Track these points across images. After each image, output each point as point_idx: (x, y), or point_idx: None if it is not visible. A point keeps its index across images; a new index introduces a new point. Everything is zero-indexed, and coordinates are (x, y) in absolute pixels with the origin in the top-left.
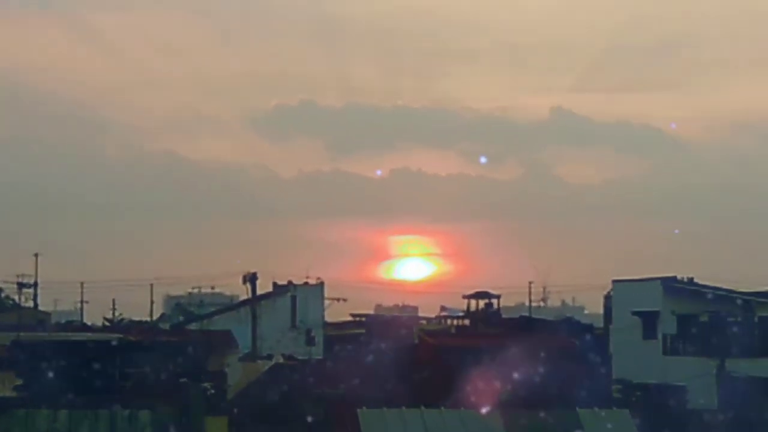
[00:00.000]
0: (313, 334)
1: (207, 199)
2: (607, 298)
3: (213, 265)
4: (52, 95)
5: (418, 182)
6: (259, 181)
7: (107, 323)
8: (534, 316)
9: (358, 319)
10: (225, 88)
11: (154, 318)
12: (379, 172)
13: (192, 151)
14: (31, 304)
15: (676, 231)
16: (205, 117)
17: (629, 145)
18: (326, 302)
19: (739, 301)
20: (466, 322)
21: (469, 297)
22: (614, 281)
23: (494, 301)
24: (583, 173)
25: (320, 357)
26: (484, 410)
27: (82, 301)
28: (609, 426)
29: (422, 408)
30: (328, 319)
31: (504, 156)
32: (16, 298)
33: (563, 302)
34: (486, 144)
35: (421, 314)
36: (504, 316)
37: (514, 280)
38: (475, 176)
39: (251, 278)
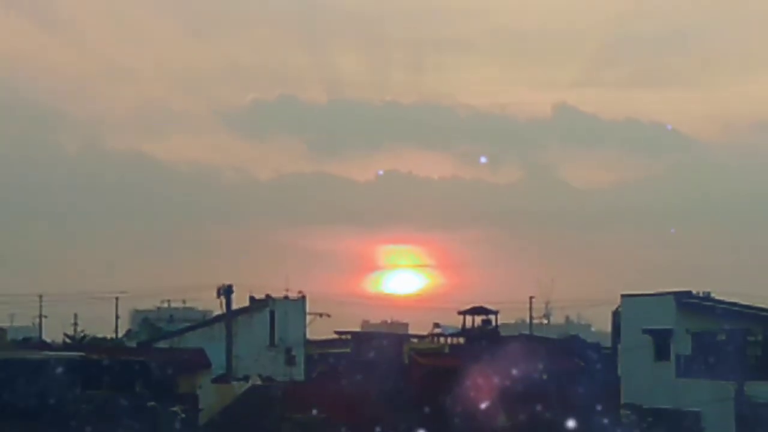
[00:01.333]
0: (293, 353)
1: (178, 204)
2: (616, 314)
3: (184, 276)
4: (3, 85)
5: (409, 186)
6: (234, 184)
7: (68, 340)
8: (536, 334)
9: (343, 336)
10: (197, 82)
11: (120, 335)
12: (366, 175)
13: (161, 150)
14: None
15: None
16: (175, 113)
17: (640, 146)
18: (308, 318)
19: (760, 319)
20: (462, 340)
21: (465, 313)
22: (623, 296)
23: (492, 317)
24: (589, 176)
25: (301, 378)
26: None
27: (40, 316)
28: None
29: None
30: (311, 336)
31: (503, 157)
32: None
33: (568, 319)
34: (483, 144)
35: (412, 332)
36: (503, 333)
37: (514, 295)
38: (472, 180)
39: (226, 291)
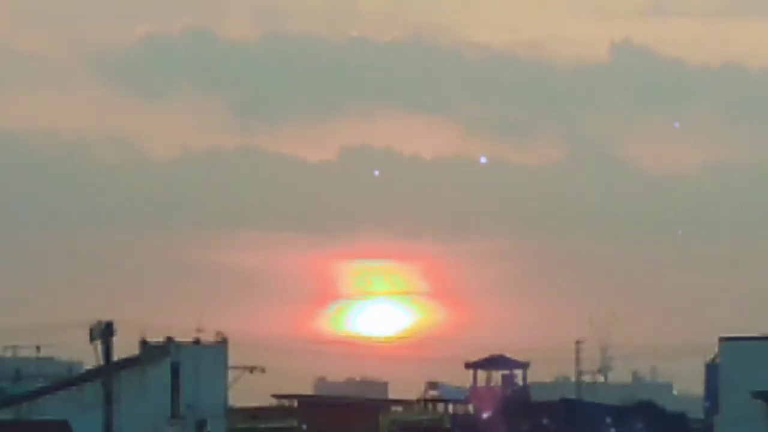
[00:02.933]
0: (208, 428)
1: (29, 197)
2: (711, 368)
3: (39, 309)
4: None
5: (388, 169)
6: (116, 166)
7: None
8: (586, 399)
9: (286, 404)
10: (60, 14)
11: None
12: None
13: (4, 114)
14: None
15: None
16: (28, 57)
17: (744, 108)
18: (232, 374)
19: None
20: (472, 408)
21: (476, 366)
22: (723, 340)
23: (518, 372)
24: (665, 156)
25: None
26: None
27: None
28: None
29: None
30: (236, 403)
31: (532, 126)
32: None
33: (635, 375)
34: (500, 105)
35: (393, 395)
36: (535, 398)
37: (551, 339)
38: (484, 160)
39: (104, 332)
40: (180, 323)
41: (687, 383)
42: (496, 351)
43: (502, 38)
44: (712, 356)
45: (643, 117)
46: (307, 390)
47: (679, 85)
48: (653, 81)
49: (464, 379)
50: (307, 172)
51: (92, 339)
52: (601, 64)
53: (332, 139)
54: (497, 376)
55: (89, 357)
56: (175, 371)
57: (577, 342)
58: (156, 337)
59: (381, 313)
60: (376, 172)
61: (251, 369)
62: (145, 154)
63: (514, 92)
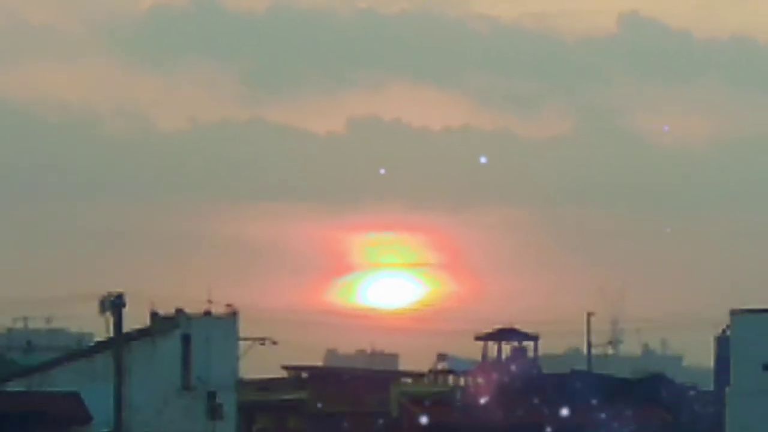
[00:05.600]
0: (219, 400)
1: (38, 168)
2: (722, 341)
3: (48, 281)
4: None
5: (397, 141)
6: (125, 138)
7: None
8: (597, 371)
9: (296, 374)
10: None
11: None
12: (329, 124)
13: (16, 86)
14: None
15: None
16: (37, 29)
17: (755, 80)
18: (242, 346)
19: None
20: (482, 380)
21: (487, 338)
22: (734, 313)
23: (528, 344)
24: (675, 128)
25: None
26: None
27: None
28: None
29: None
30: (246, 374)
31: (541, 98)
32: None
33: (646, 347)
34: (510, 76)
35: (403, 367)
36: (545, 370)
37: (562, 311)
38: (493, 132)
39: (114, 304)
40: (190, 295)
41: (697, 356)
42: (506, 323)
43: (511, 10)
44: (722, 328)
45: (652, 89)
46: (318, 362)
47: (688, 57)
48: (661, 53)
49: (474, 351)
50: (315, 144)
51: (102, 311)
52: (610, 35)
53: (341, 110)
54: (507, 348)
55: (100, 329)
56: (185, 343)
57: (588, 315)
58: (166, 309)
59: (391, 285)
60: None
61: (262, 341)
62: (154, 125)
63: (522, 64)
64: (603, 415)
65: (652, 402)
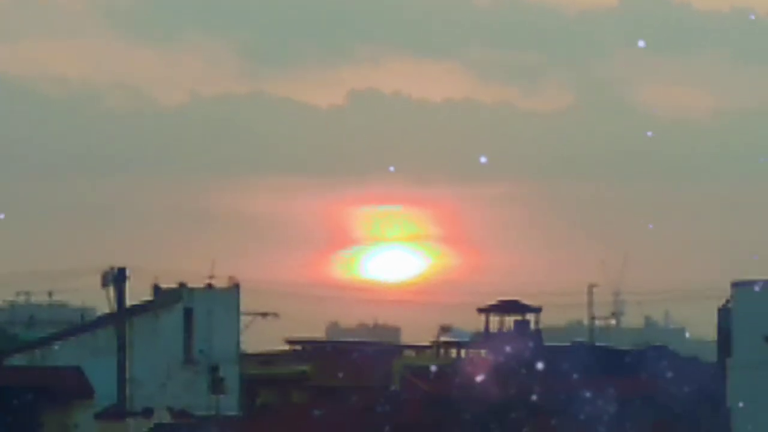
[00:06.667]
0: (221, 374)
1: (40, 142)
2: (724, 313)
3: (51, 255)
4: None
5: (398, 114)
6: (126, 112)
7: None
8: (598, 343)
9: (298, 348)
10: None
11: None
12: (330, 97)
13: (16, 61)
14: None
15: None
16: (37, 3)
17: (753, 53)
18: (244, 320)
19: None
20: (484, 353)
21: (489, 311)
22: (735, 285)
23: (530, 317)
24: (676, 101)
25: (234, 413)
26: None
27: None
28: None
29: None
30: (248, 348)
31: (542, 71)
32: None
33: (649, 320)
34: (510, 49)
35: (406, 340)
36: (547, 342)
37: (564, 283)
38: (494, 104)
39: (116, 278)
40: (192, 269)
41: (700, 328)
42: (508, 296)
43: None
44: (725, 300)
45: (653, 61)
46: (320, 335)
47: (689, 29)
48: (662, 25)
49: (477, 324)
50: (316, 117)
51: (105, 285)
52: (610, 8)
53: (341, 83)
54: (510, 321)
55: (102, 303)
56: (187, 317)
57: (590, 286)
58: (168, 283)
59: (393, 258)
60: (385, 119)
61: (264, 314)
62: (155, 99)
63: (523, 37)
64: (601, 387)
65: (654, 374)
